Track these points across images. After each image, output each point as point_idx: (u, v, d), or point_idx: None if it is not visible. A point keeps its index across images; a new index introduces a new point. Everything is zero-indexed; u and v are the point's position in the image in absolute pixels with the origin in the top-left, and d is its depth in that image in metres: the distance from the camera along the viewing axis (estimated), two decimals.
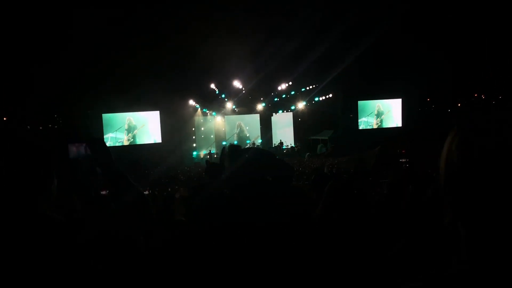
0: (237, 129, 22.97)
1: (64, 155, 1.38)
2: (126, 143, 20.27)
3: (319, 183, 3.49)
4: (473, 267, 0.68)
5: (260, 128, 23.55)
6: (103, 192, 1.71)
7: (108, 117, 19.96)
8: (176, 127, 20.30)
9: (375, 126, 23.96)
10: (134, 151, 19.09)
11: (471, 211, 0.70)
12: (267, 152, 1.57)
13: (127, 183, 1.43)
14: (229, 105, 21.93)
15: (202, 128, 22.43)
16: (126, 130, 20.24)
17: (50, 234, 1.17)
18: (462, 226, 0.71)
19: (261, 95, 22.48)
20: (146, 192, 5.67)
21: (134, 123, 20.41)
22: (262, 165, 1.54)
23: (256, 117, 23.61)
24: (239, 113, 23.17)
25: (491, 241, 0.67)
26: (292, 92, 22.44)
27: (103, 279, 1.22)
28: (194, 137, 21.97)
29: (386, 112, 24.07)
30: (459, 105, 25.14)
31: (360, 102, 23.70)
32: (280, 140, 22.79)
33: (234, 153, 1.93)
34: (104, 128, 19.52)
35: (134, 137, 20.42)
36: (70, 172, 1.42)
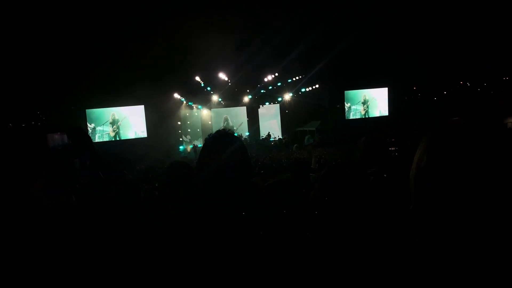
0: (224, 122, 22.83)
1: (44, 145, 1.37)
2: (111, 136, 20.00)
3: (300, 173, 3.44)
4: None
5: (247, 120, 23.46)
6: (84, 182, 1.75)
7: (91, 113, 19.65)
8: (161, 121, 20.09)
9: (361, 115, 24.05)
10: (119, 146, 18.88)
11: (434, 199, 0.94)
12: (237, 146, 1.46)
13: (115, 170, 1.49)
14: (215, 98, 21.78)
15: (188, 122, 22.28)
16: (110, 123, 19.96)
17: (44, 222, 1.26)
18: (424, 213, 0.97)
19: (247, 87, 22.38)
20: None
21: (117, 117, 20.12)
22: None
23: (243, 109, 23.55)
24: (226, 106, 23.07)
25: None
26: (279, 84, 22.36)
27: (98, 267, 1.29)
28: (180, 131, 21.82)
29: (372, 101, 24.17)
30: (444, 93, 25.37)
31: (347, 92, 23.73)
32: (268, 132, 22.73)
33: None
34: (88, 123, 19.24)
35: (118, 131, 20.15)
36: (52, 162, 1.42)
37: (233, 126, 22.60)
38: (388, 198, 2.16)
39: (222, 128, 1.54)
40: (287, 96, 23.33)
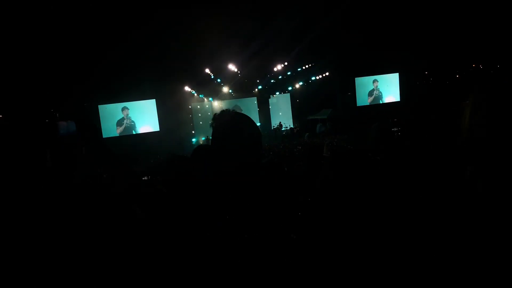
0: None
1: (55, 132, 1.47)
2: (123, 131, 20.22)
3: (314, 159, 3.48)
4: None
5: (258, 111, 23.50)
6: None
7: (104, 108, 19.85)
8: (173, 114, 20.23)
9: (373, 102, 23.85)
10: (132, 140, 19.10)
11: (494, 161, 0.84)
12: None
13: (121, 163, 1.58)
14: (226, 89, 21.84)
15: (200, 114, 22.41)
16: (122, 118, 20.18)
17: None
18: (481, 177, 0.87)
19: (257, 77, 22.34)
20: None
21: (129, 112, 20.32)
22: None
23: (254, 100, 23.56)
24: (236, 97, 23.12)
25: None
26: (289, 73, 22.27)
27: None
28: (192, 124, 21.96)
29: (383, 87, 23.92)
30: (457, 76, 24.95)
31: (358, 79, 23.53)
32: (279, 122, 22.73)
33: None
34: (101, 119, 19.45)
35: (131, 126, 20.36)
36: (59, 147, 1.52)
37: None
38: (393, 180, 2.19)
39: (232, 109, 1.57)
40: (298, 85, 23.24)
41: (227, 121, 1.52)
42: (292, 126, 23.12)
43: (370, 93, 23.82)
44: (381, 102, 23.87)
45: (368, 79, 23.78)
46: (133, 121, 20.36)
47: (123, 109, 20.21)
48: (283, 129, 22.25)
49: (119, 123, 20.11)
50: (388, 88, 24.01)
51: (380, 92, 23.90)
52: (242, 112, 1.57)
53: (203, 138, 20.84)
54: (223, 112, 1.57)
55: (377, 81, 23.79)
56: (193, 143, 20.85)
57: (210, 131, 1.54)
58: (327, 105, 22.79)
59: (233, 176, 1.40)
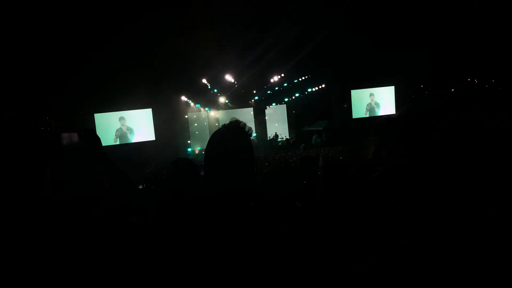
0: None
1: (58, 143, 1.47)
2: (119, 140, 20.14)
3: (305, 168, 3.48)
4: None
5: (254, 121, 23.55)
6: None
7: (100, 117, 19.78)
8: (169, 124, 20.21)
9: (368, 114, 23.96)
10: (127, 149, 19.01)
11: None
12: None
13: (121, 173, 1.56)
14: (222, 99, 21.89)
15: (196, 124, 22.42)
16: (119, 127, 20.12)
17: (51, 215, 1.33)
18: None
19: (254, 88, 22.44)
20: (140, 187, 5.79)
21: (125, 121, 20.26)
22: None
23: (250, 110, 23.63)
24: (233, 107, 23.19)
25: None
26: (285, 84, 22.40)
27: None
28: (187, 133, 21.95)
29: (379, 100, 24.07)
30: (452, 90, 25.19)
31: (354, 91, 23.67)
32: (276, 132, 22.77)
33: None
34: (97, 128, 19.37)
35: (126, 135, 20.29)
36: (63, 159, 1.53)
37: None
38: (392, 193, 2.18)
39: (235, 120, 1.55)
40: (294, 97, 23.36)
41: (217, 139, 1.50)
42: (288, 137, 23.16)
43: (366, 106, 23.94)
44: (376, 115, 23.99)
45: (364, 92, 23.92)
46: (128, 130, 20.30)
47: (120, 119, 20.16)
48: (279, 139, 22.28)
49: (114, 131, 20.03)
50: (384, 100, 24.16)
51: (376, 105, 24.03)
52: (241, 122, 1.55)
53: (199, 148, 20.79)
54: (221, 128, 1.54)
55: (374, 95, 23.93)
56: (189, 152, 20.80)
57: (206, 141, 1.53)
58: (323, 116, 22.87)
59: (227, 193, 1.38)
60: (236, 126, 1.52)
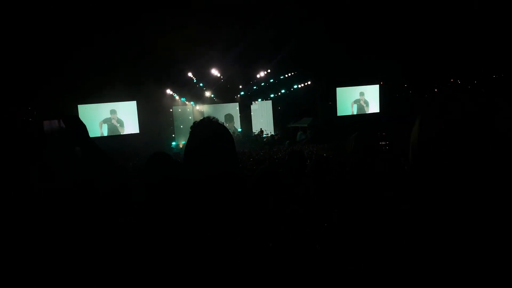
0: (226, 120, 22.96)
1: (41, 130, 1.48)
2: (103, 132, 19.92)
3: (293, 161, 3.52)
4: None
5: (240, 116, 23.52)
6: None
7: (84, 108, 19.48)
8: (153, 117, 20.04)
9: (353, 112, 24.19)
10: (111, 141, 18.79)
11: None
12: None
13: (112, 161, 1.57)
14: (208, 94, 21.80)
15: (181, 118, 22.30)
16: (103, 119, 19.90)
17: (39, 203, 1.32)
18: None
19: (239, 83, 22.40)
20: None
21: (109, 113, 20.04)
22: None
23: (235, 106, 23.59)
24: (218, 102, 23.11)
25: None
26: (271, 80, 22.42)
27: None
28: (172, 127, 21.82)
29: (363, 98, 24.31)
30: (435, 90, 25.59)
31: (339, 89, 23.85)
32: (261, 128, 22.79)
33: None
34: (81, 119, 19.03)
35: (111, 127, 20.06)
36: (49, 147, 1.50)
37: (226, 124, 22.69)
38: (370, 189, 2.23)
39: (208, 117, 1.53)
40: (280, 93, 23.42)
41: (201, 131, 1.48)
42: (273, 133, 23.21)
43: (350, 104, 24.15)
44: (361, 113, 24.25)
45: (349, 90, 24.13)
46: (112, 122, 20.09)
47: (112, 112, 19.95)
48: (264, 135, 22.32)
49: (98, 123, 19.77)
50: (368, 99, 24.43)
51: (360, 103, 24.27)
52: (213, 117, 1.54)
53: (183, 142, 20.69)
54: (200, 121, 1.52)
55: (358, 92, 24.16)
56: (173, 146, 20.68)
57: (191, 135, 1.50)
58: (308, 113, 23.00)
59: (211, 184, 1.37)
60: (213, 120, 1.51)
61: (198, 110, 22.65)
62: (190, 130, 1.51)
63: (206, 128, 1.48)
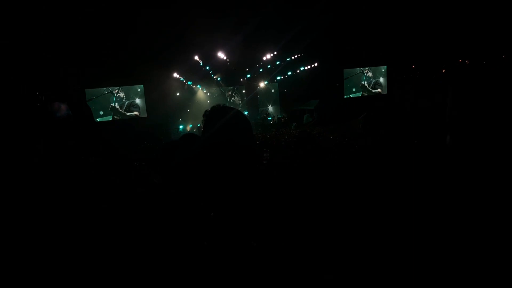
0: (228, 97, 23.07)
1: (48, 111, 1.46)
2: (111, 115, 20.06)
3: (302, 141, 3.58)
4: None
5: (246, 99, 23.48)
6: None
7: (91, 92, 19.56)
8: (161, 100, 20.09)
9: (360, 94, 24.05)
10: (119, 125, 18.95)
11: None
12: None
13: (112, 146, 1.47)
14: (214, 77, 21.75)
15: (189, 102, 22.32)
16: (110, 104, 20.00)
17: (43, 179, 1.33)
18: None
19: (246, 66, 22.27)
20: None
21: (117, 97, 20.14)
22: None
23: (242, 88, 23.54)
24: (225, 85, 23.07)
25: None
26: (277, 63, 22.25)
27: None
28: (179, 110, 21.86)
29: (371, 79, 24.13)
30: (443, 71, 25.28)
31: (346, 70, 23.66)
32: (267, 111, 22.76)
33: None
34: (88, 103, 19.15)
35: (118, 111, 20.19)
36: (54, 126, 1.48)
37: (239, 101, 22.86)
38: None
39: (220, 104, 1.58)
40: (286, 75, 23.27)
41: (220, 114, 1.52)
42: (280, 116, 23.17)
43: (358, 85, 23.98)
44: (368, 94, 24.09)
45: (357, 71, 23.93)
46: (120, 106, 20.22)
47: (110, 93, 20.05)
48: (270, 118, 22.30)
49: (106, 107, 19.91)
50: (376, 80, 24.25)
51: (368, 84, 24.10)
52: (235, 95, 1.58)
53: (190, 126, 20.76)
54: (215, 107, 1.57)
55: (365, 73, 23.95)
56: (180, 129, 20.75)
57: (198, 119, 1.54)
58: (315, 96, 22.86)
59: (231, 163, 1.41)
60: (230, 108, 1.55)
61: (204, 94, 22.66)
62: (203, 118, 1.54)
63: (225, 113, 1.51)
